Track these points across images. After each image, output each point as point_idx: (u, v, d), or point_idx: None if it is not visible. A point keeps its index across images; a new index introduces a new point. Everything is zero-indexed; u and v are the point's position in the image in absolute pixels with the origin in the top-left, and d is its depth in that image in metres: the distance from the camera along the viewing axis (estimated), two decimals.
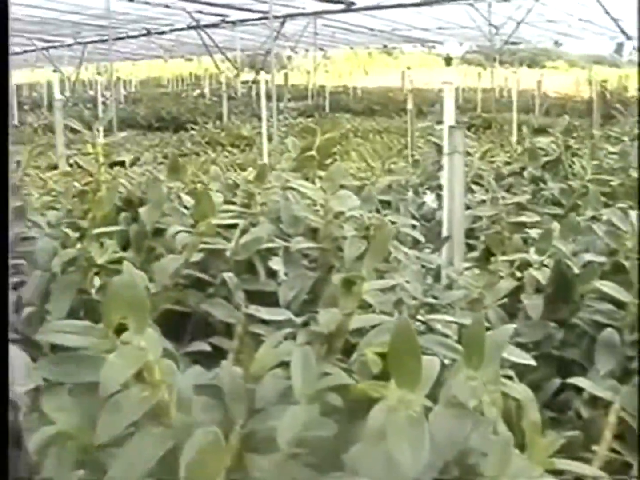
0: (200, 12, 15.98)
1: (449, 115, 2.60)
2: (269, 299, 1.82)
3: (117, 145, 7.60)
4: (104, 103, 15.76)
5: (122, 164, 3.62)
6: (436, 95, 22.62)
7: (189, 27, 17.69)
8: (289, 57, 28.89)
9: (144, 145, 8.95)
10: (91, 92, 26.82)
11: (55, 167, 4.86)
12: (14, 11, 16.23)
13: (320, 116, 15.47)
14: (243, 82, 21.47)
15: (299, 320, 1.66)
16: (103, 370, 1.00)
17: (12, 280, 1.70)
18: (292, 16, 16.14)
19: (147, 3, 14.74)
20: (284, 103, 15.83)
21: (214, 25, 17.33)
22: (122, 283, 1.06)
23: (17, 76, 30.57)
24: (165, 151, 8.35)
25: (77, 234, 1.94)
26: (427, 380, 1.02)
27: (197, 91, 24.65)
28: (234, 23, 16.99)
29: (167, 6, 15.10)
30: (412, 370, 0.96)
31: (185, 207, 2.21)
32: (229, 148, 8.85)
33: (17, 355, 1.25)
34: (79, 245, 1.80)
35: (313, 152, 2.61)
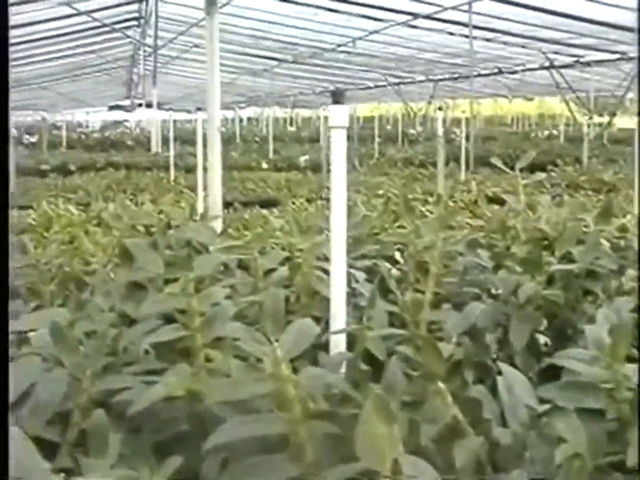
0: (557, 52, 15.82)
1: None
2: None
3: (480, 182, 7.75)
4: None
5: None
6: None
7: (542, 67, 17.57)
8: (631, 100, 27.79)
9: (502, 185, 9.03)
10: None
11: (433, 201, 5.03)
12: (397, 51, 16.88)
13: None
14: (596, 125, 20.95)
15: None
16: None
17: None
18: None
19: (504, 43, 14.84)
20: None
21: (566, 66, 17.06)
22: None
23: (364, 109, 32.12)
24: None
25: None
26: None
27: (546, 132, 24.45)
28: (588, 64, 16.61)
29: (523, 46, 15.10)
30: None
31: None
32: (589, 192, 8.73)
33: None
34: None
35: None
